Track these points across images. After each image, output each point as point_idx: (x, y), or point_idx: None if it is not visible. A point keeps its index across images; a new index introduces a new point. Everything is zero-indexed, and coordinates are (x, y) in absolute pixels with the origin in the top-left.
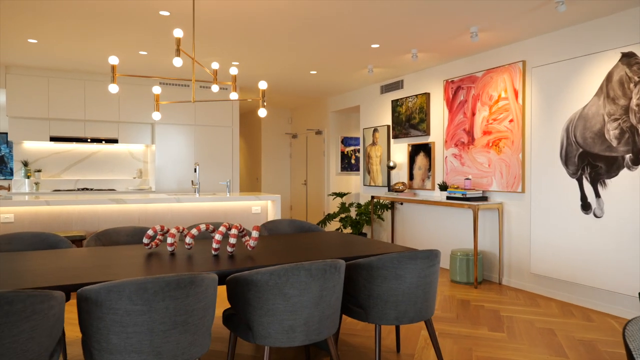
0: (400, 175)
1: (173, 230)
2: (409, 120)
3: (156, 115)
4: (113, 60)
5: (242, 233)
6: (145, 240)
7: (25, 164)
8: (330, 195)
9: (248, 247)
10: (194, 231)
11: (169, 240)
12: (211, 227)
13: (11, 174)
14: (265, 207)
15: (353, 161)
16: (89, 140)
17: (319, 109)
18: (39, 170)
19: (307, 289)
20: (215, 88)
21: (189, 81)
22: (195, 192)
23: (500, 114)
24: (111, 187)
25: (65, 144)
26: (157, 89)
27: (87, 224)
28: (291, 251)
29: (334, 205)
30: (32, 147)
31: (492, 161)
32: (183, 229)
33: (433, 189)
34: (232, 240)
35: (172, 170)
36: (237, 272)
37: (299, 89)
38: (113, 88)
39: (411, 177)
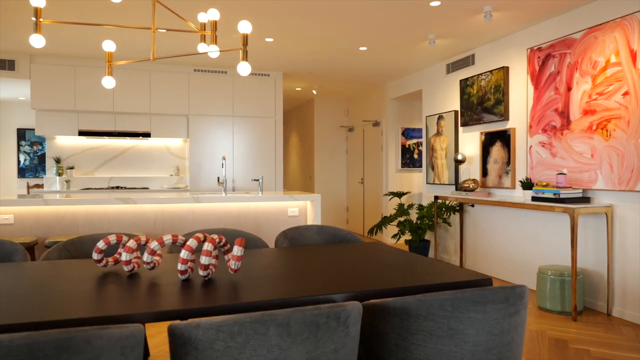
0: (470, 171)
1: (131, 243)
2: (482, 103)
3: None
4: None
5: (225, 249)
6: (95, 256)
7: (58, 160)
8: (386, 195)
9: (229, 269)
10: (154, 245)
11: (124, 256)
12: (181, 239)
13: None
14: (303, 209)
15: (416, 156)
16: (117, 134)
17: (377, 97)
18: (72, 168)
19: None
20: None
21: (227, 68)
22: (222, 190)
23: (609, 86)
24: (146, 185)
25: (98, 139)
26: (110, 45)
27: (95, 226)
28: (296, 276)
29: (393, 207)
30: (65, 142)
31: (596, 150)
32: (147, 240)
33: (513, 187)
34: (205, 260)
35: (208, 167)
36: (179, 315)
37: (351, 72)
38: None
39: (484, 172)
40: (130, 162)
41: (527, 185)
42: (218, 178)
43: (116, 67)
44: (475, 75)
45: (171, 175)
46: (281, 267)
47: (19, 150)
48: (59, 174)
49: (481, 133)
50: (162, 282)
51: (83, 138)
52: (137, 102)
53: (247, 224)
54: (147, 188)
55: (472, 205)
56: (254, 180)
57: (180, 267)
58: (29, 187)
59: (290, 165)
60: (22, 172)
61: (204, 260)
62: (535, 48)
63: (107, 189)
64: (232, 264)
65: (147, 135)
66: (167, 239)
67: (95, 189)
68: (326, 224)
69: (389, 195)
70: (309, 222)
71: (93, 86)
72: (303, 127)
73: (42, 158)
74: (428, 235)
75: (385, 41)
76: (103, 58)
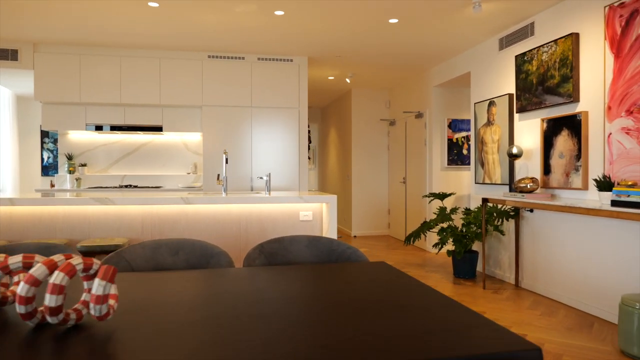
0: (528, 168)
1: None
2: (543, 82)
3: None
4: None
5: (90, 273)
6: None
7: (70, 157)
8: (426, 196)
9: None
10: None
11: None
12: (38, 261)
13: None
14: (319, 212)
15: (465, 151)
16: (127, 128)
17: (420, 84)
18: (84, 165)
19: None
20: None
21: (245, 53)
22: (222, 190)
23: None
24: (160, 184)
25: (111, 134)
26: None
27: (74, 230)
28: (238, 329)
29: (435, 211)
30: (77, 138)
31: None
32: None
33: (585, 187)
34: (51, 301)
35: (222, 164)
36: None
37: (386, 55)
38: None
39: (546, 169)
40: (145, 159)
41: (605, 185)
42: (218, 175)
43: (122, 54)
44: (534, 49)
45: (188, 174)
46: (223, 305)
47: (42, 148)
48: (70, 172)
49: (542, 120)
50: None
51: (95, 133)
52: (147, 93)
53: (251, 231)
54: (160, 187)
55: (531, 211)
56: (260, 178)
57: (19, 309)
58: (52, 186)
59: (328, 165)
60: (45, 170)
61: (48, 300)
62: (615, 4)
63: (117, 187)
64: (93, 309)
65: (158, 129)
66: (15, 261)
67: (106, 187)
68: (364, 230)
69: (429, 197)
70: (325, 228)
71: (99, 76)
72: (341, 122)
73: None
74: (476, 246)
75: (419, 8)
76: (109, 45)
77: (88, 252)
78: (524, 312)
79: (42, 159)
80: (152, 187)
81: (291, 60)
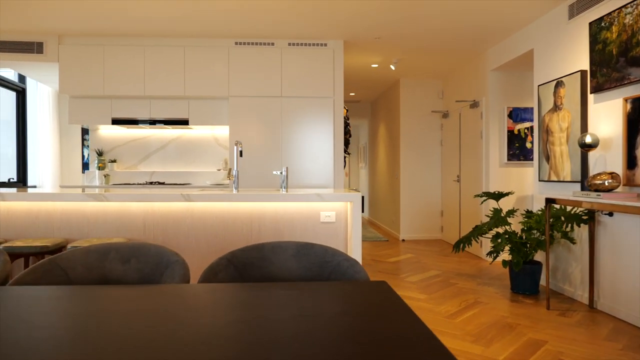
0: (606, 161)
1: None
2: (627, 52)
3: None
4: None
5: None
6: None
7: (100, 153)
8: (478, 196)
9: None
10: None
11: None
12: None
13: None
14: (342, 213)
15: (528, 144)
16: (152, 122)
17: (475, 69)
18: (113, 161)
19: None
20: None
21: (274, 39)
22: (233, 186)
23: None
24: (189, 181)
25: (139, 129)
26: None
27: (72, 228)
28: None
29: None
30: (107, 133)
31: None
32: None
33: None
34: None
35: (251, 160)
36: None
37: (433, 34)
38: None
39: (631, 162)
40: (174, 154)
41: None
42: (229, 170)
43: (146, 44)
44: (614, 11)
45: (219, 170)
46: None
47: (83, 145)
48: (99, 168)
49: (625, 100)
50: None
51: (124, 129)
52: (171, 84)
53: (264, 233)
54: (188, 184)
55: (610, 214)
56: (276, 173)
57: None
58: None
59: (378, 163)
60: (86, 166)
61: None
62: None
63: (144, 185)
64: None
65: (184, 122)
66: None
67: (133, 184)
68: (414, 233)
69: (481, 197)
70: (350, 231)
71: (123, 68)
72: (389, 116)
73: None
74: (540, 256)
75: None
76: (133, 34)
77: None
78: (601, 344)
79: (83, 156)
80: (179, 185)
81: (325, 45)
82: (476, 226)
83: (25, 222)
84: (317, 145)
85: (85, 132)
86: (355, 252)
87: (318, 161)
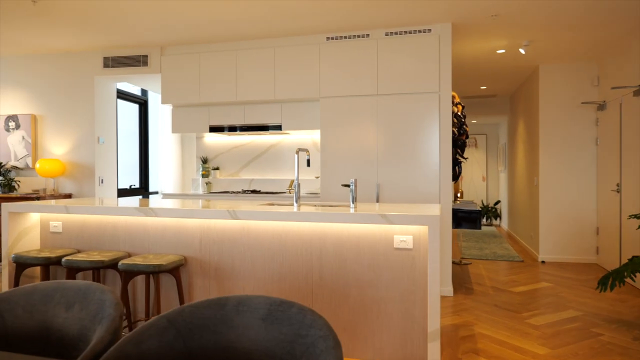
0: None
1: None
2: None
3: None
4: None
5: None
6: None
7: (205, 160)
8: (634, 217)
9: None
10: None
11: None
12: None
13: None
14: (423, 237)
15: None
16: (246, 128)
17: (638, 46)
18: (217, 168)
19: None
20: None
21: (369, 29)
22: (294, 200)
23: None
24: (284, 189)
25: (240, 135)
26: None
27: (134, 242)
28: None
29: None
30: (212, 141)
31: None
32: None
33: None
34: None
35: (343, 167)
36: None
37: (572, 3)
38: None
39: None
40: (273, 161)
41: None
42: (291, 182)
43: (237, 47)
44: None
45: (317, 177)
46: None
47: None
48: (203, 175)
49: None
50: None
51: (225, 136)
52: (262, 88)
53: (326, 262)
54: (283, 193)
55: None
56: (344, 185)
57: None
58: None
59: (517, 167)
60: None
61: None
62: None
63: (241, 193)
64: None
65: (277, 127)
66: None
67: (231, 192)
68: (558, 254)
69: (633, 218)
70: (430, 260)
71: (215, 74)
72: (527, 110)
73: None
74: None
75: None
76: (225, 39)
77: (129, 272)
78: None
79: None
80: (274, 193)
81: (428, 31)
82: (633, 257)
83: (95, 233)
84: (419, 149)
85: None
86: (431, 296)
87: (420, 169)
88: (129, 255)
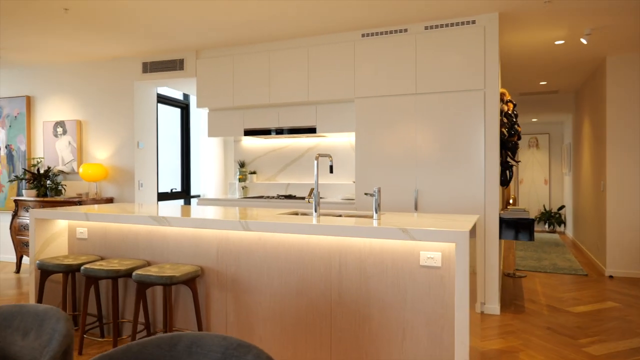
0: None
1: None
2: None
3: None
4: None
5: None
6: None
7: (242, 164)
8: None
9: None
10: None
11: None
12: None
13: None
14: (452, 254)
15: None
16: (281, 131)
17: None
18: (254, 172)
19: None
20: None
21: (407, 24)
22: (313, 209)
23: None
24: (324, 194)
25: (276, 138)
26: None
27: (154, 250)
28: None
29: None
30: (250, 144)
31: None
32: None
33: None
34: None
35: (379, 171)
36: None
37: None
38: None
39: None
40: (310, 165)
41: None
42: (311, 191)
43: (270, 48)
44: None
45: (354, 182)
46: None
47: None
48: (239, 180)
49: None
50: None
51: (261, 139)
52: (295, 89)
53: (345, 275)
54: (321, 198)
55: None
56: (367, 194)
57: None
58: None
59: (582, 168)
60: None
61: None
62: None
63: (273, 198)
64: None
65: (312, 130)
66: None
67: (266, 198)
68: (629, 268)
69: None
70: (458, 282)
71: (248, 76)
72: (593, 107)
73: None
74: None
75: None
76: (258, 40)
77: (142, 282)
78: None
79: None
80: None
81: (473, 22)
82: None
83: (117, 240)
84: (462, 152)
85: None
86: (459, 323)
87: (464, 173)
88: (148, 264)
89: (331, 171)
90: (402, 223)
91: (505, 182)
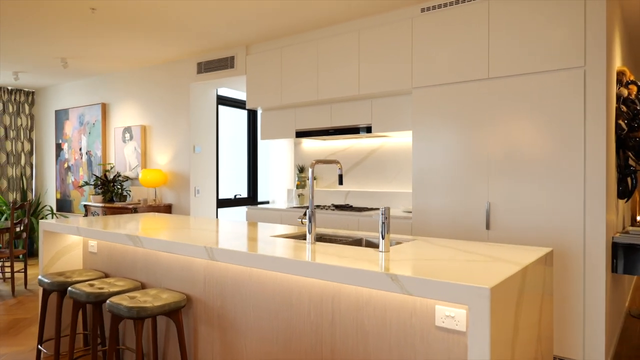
0: None
1: None
2: None
3: None
4: None
5: None
6: None
7: (301, 170)
8: None
9: None
10: None
11: None
12: None
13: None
14: (482, 312)
15: None
16: (333, 131)
17: None
18: (315, 178)
19: None
20: None
21: None
22: (307, 233)
23: None
24: (387, 203)
25: (336, 139)
26: None
27: (149, 272)
28: None
29: None
30: (309, 147)
31: None
32: None
33: None
34: None
35: (441, 179)
36: None
37: None
38: None
39: None
40: (372, 170)
41: None
42: (305, 212)
43: (318, 36)
44: None
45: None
46: None
47: None
48: (297, 186)
49: None
50: None
51: (320, 141)
52: (344, 82)
53: (339, 326)
54: (376, 209)
55: None
56: (407, 212)
57: None
58: None
59: None
60: None
61: None
62: None
63: (330, 208)
64: None
65: (367, 129)
66: None
67: (322, 207)
68: None
69: None
70: (478, 349)
71: (296, 70)
72: None
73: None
74: None
75: None
76: (306, 28)
77: (114, 314)
78: None
79: None
80: (370, 209)
81: None
82: None
83: (120, 258)
84: (551, 153)
85: None
86: None
87: (552, 181)
88: (143, 287)
89: (340, 182)
90: (411, 261)
91: (626, 192)
